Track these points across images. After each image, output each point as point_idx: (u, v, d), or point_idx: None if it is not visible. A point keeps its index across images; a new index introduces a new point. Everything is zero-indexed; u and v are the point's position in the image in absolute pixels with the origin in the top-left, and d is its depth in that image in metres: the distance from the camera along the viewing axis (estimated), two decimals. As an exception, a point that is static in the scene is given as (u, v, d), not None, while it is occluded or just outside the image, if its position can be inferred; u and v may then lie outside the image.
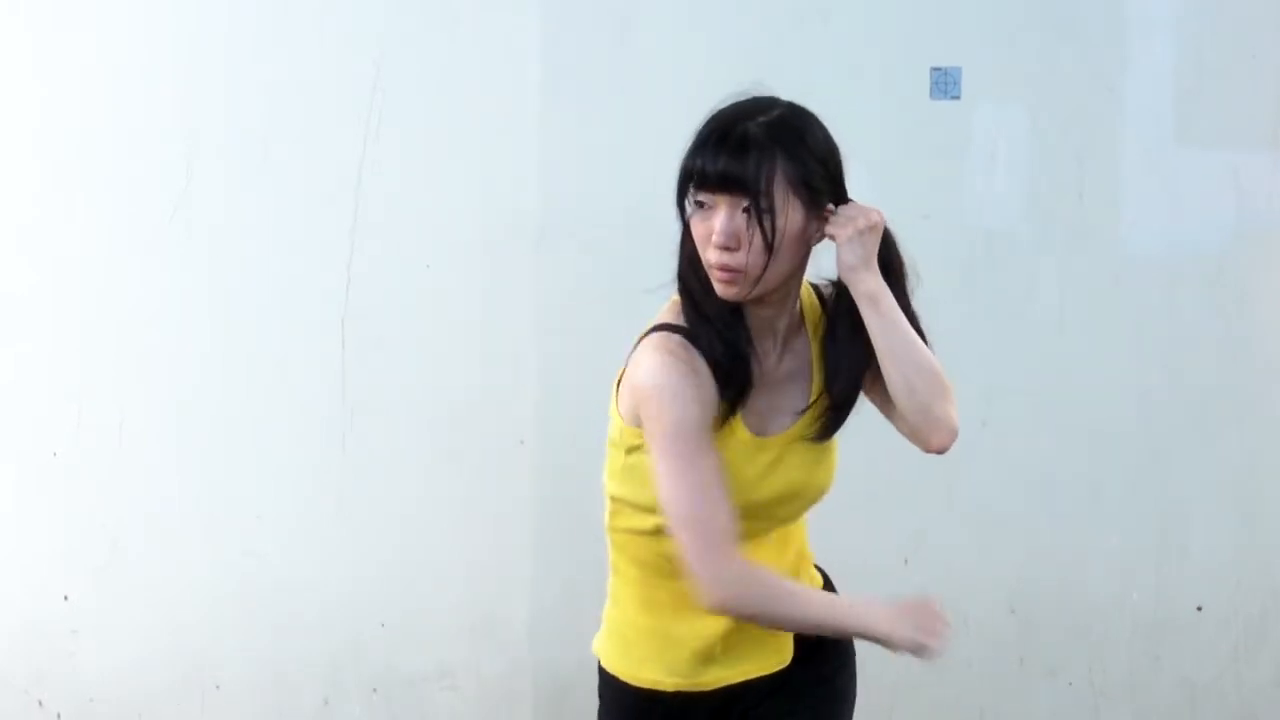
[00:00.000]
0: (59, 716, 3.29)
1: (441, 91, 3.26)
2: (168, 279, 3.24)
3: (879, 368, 2.15)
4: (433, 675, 3.32)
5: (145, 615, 3.26)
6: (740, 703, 2.23)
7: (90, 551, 3.25)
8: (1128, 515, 3.48)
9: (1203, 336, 3.50)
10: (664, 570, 2.14)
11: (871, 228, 2.09)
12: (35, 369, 3.24)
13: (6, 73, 3.22)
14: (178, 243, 3.23)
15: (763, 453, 2.12)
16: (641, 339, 2.10)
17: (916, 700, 3.42)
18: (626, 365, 2.12)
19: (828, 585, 2.34)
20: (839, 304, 2.16)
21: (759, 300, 2.07)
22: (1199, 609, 3.51)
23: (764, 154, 2.02)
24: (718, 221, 2.01)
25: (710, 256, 2.03)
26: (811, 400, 2.16)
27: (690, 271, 2.08)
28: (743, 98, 2.13)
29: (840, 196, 2.11)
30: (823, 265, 2.14)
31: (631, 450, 2.10)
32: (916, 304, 2.20)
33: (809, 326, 2.19)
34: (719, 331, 2.06)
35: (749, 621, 2.10)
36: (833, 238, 2.08)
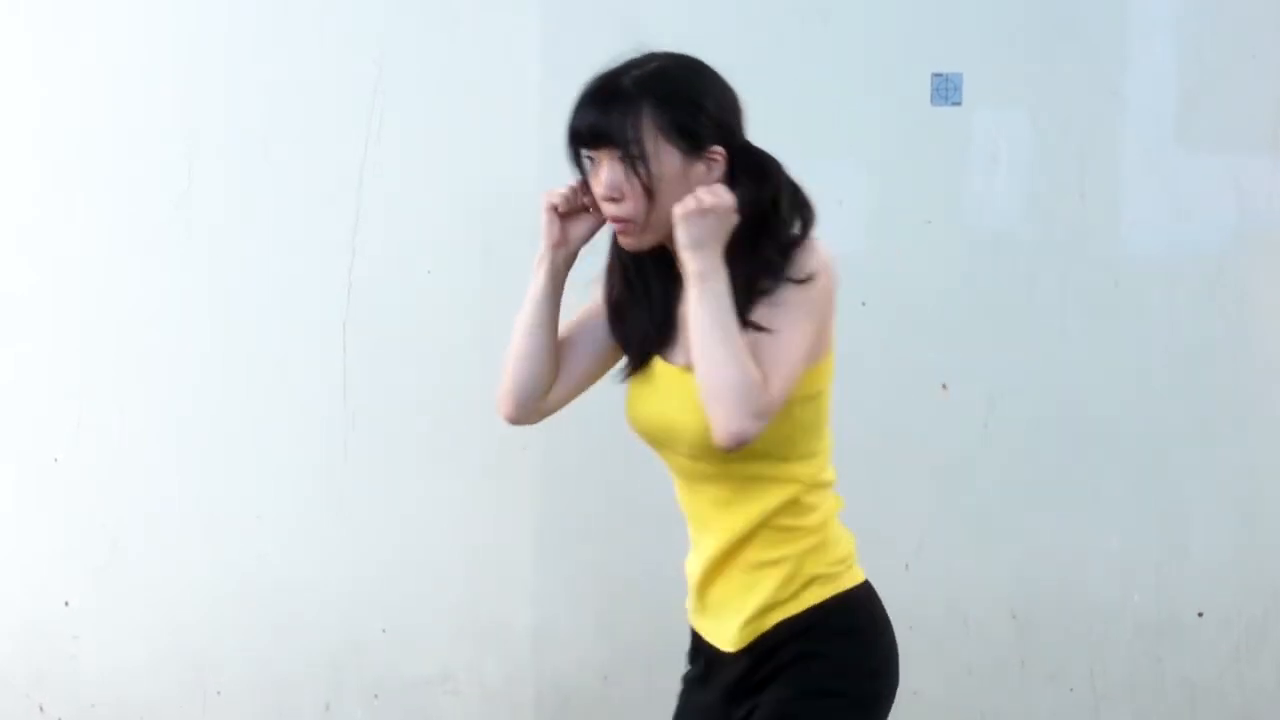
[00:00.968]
0: (59, 720, 3.29)
1: (442, 92, 3.25)
2: (168, 280, 3.24)
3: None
4: (434, 679, 3.31)
5: (146, 618, 3.26)
6: (709, 662, 2.31)
7: (90, 554, 3.25)
8: (1128, 517, 3.48)
9: (1203, 338, 3.50)
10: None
11: (709, 210, 2.08)
12: (35, 370, 3.24)
13: (6, 73, 3.21)
14: (178, 243, 3.23)
15: (657, 378, 2.20)
16: None
17: (917, 704, 3.41)
18: None
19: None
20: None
21: (668, 245, 2.12)
22: (1200, 611, 3.51)
23: (630, 105, 2.10)
24: (601, 174, 2.12)
25: (605, 210, 2.14)
26: None
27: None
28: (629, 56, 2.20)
29: (729, 139, 2.15)
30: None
31: None
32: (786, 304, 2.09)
33: None
34: (621, 277, 2.21)
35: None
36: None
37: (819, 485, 2.29)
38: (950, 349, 3.38)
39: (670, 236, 2.11)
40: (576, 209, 2.22)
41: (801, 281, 2.11)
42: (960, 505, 3.41)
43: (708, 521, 2.27)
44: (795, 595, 2.25)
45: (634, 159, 2.10)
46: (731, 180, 2.15)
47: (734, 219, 2.10)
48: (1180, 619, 3.50)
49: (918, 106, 3.35)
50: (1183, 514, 3.49)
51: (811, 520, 2.30)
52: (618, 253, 2.21)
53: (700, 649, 2.34)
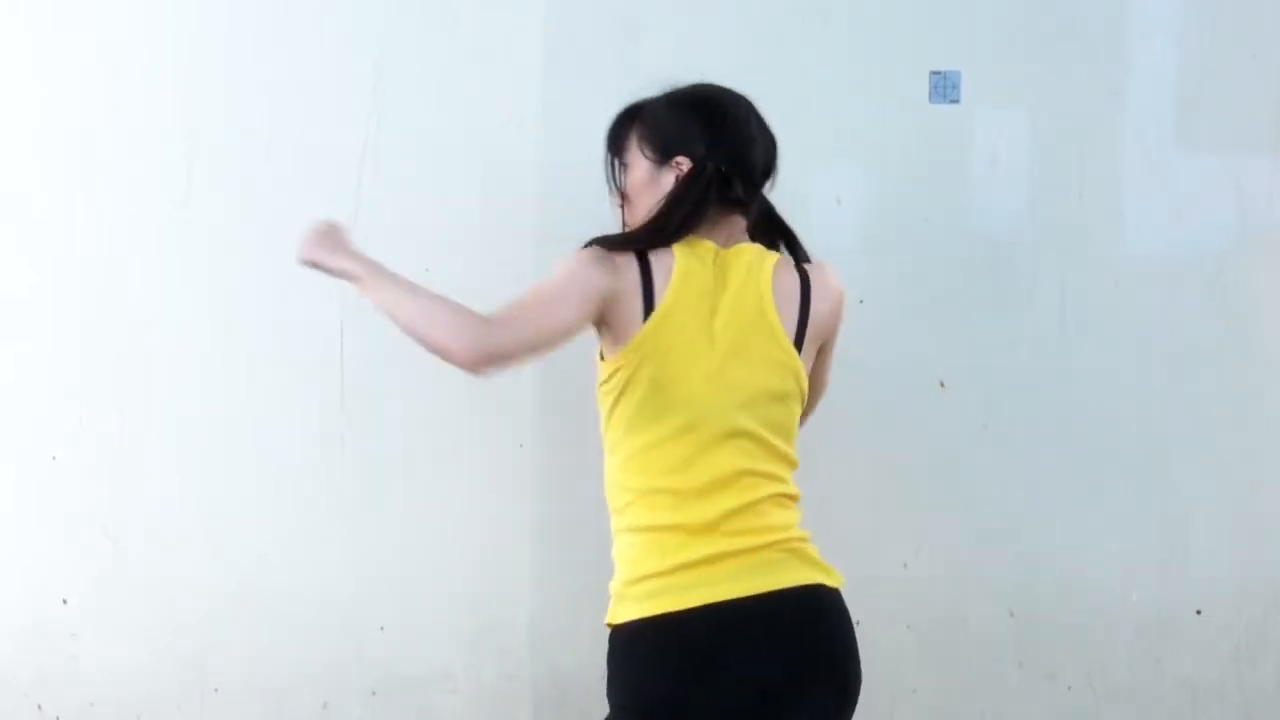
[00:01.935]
0: (58, 719, 3.29)
1: (442, 93, 3.26)
2: (168, 279, 3.24)
3: None
4: (432, 678, 3.31)
5: (145, 618, 3.26)
6: None
7: (90, 554, 3.25)
8: (1127, 516, 3.48)
9: (1204, 339, 3.49)
10: None
11: (305, 245, 2.60)
12: (35, 370, 3.24)
13: (6, 73, 3.21)
14: (178, 243, 3.23)
15: None
16: None
17: (915, 704, 3.41)
18: None
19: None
20: None
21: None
22: (1199, 611, 3.51)
23: (631, 122, 2.64)
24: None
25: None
26: None
27: None
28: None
29: (698, 153, 2.56)
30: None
31: None
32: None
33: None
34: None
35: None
36: None
37: (639, 491, 2.48)
38: (949, 348, 3.38)
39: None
40: None
41: None
42: (959, 504, 3.41)
43: None
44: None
45: (616, 164, 2.67)
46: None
47: (334, 237, 2.56)
48: (1179, 619, 3.49)
49: (916, 105, 3.35)
50: (1182, 514, 3.49)
51: (621, 522, 2.52)
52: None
53: None
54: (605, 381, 2.52)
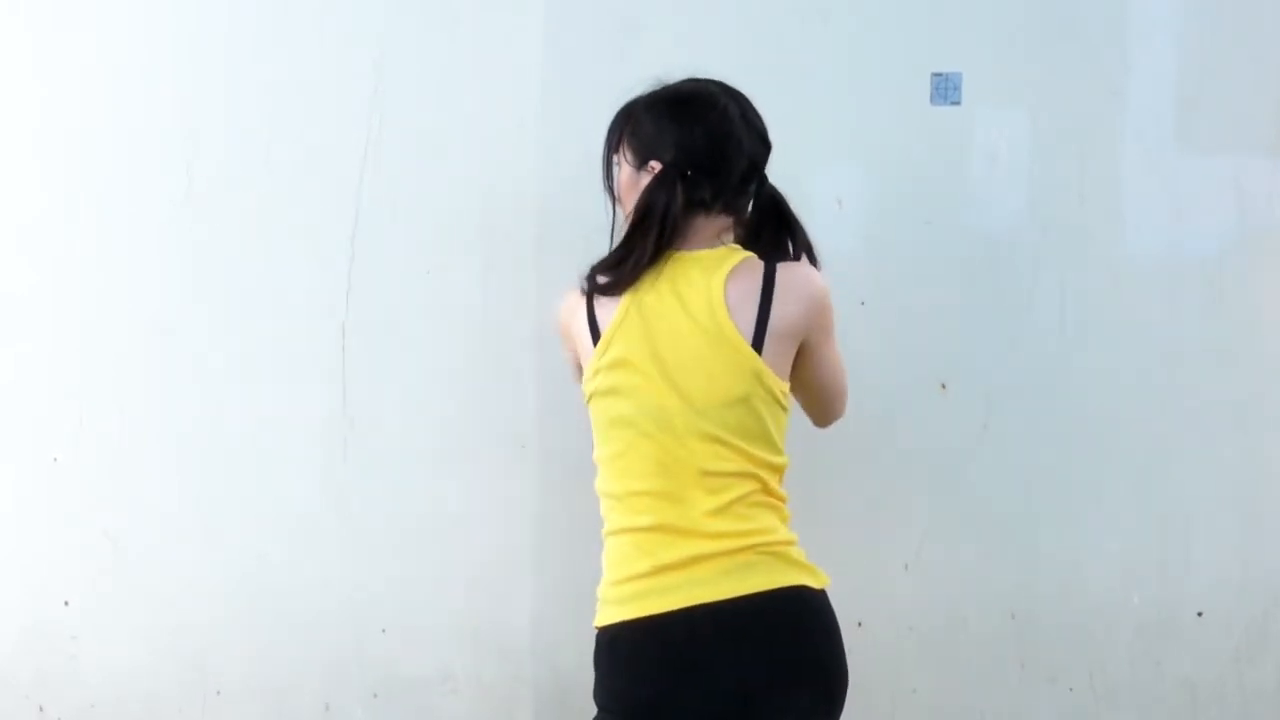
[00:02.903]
0: (58, 720, 3.29)
1: (442, 93, 3.25)
2: (168, 280, 3.24)
3: None
4: (434, 680, 3.31)
5: (146, 619, 3.26)
6: None
7: (90, 554, 3.25)
8: (1128, 518, 3.48)
9: (1204, 340, 3.49)
10: None
11: None
12: (35, 370, 3.24)
13: (6, 73, 3.21)
14: (177, 243, 3.23)
15: None
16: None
17: (916, 705, 3.41)
18: None
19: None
20: None
21: None
22: (1200, 612, 3.51)
23: (625, 122, 2.68)
24: None
25: None
26: None
27: None
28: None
29: (667, 157, 2.61)
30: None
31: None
32: None
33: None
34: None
35: None
36: None
37: (618, 495, 2.55)
38: (949, 349, 3.38)
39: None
40: None
41: None
42: (960, 507, 3.41)
43: None
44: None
45: (607, 165, 2.71)
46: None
47: None
48: (1180, 620, 3.49)
49: (917, 106, 3.35)
50: (1183, 515, 3.49)
51: (606, 527, 2.57)
52: None
53: None
54: (584, 396, 2.65)
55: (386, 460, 3.27)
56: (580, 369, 2.66)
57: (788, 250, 2.66)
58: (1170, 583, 3.49)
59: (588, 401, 2.62)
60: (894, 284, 3.34)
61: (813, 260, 2.66)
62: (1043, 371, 3.43)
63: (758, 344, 2.52)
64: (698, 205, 2.60)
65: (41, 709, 3.27)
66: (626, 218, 2.65)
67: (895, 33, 3.34)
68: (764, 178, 2.68)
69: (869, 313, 3.24)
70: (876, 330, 3.29)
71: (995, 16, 3.38)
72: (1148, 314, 3.47)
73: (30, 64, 3.20)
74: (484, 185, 3.27)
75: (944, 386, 3.37)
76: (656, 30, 3.28)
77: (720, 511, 2.47)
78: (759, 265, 2.59)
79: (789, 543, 2.53)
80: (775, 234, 2.66)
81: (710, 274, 2.55)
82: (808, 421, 2.85)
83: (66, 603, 3.26)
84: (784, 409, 2.58)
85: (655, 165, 2.59)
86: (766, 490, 2.53)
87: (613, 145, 2.69)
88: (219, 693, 3.28)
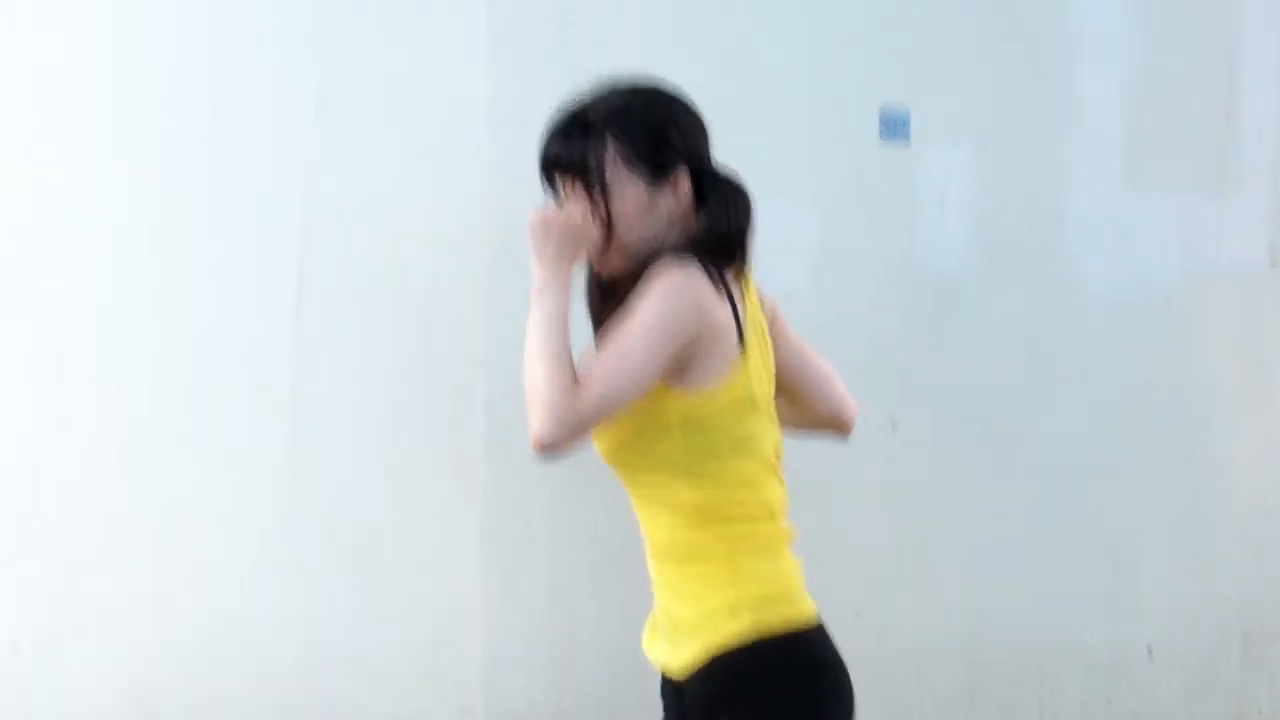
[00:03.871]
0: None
1: (388, 94, 3.17)
2: (109, 289, 3.11)
3: None
4: (386, 717, 3.25)
5: (95, 661, 3.17)
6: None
7: (37, 596, 3.15)
8: (1077, 556, 3.48)
9: (1150, 376, 3.51)
10: None
11: (551, 224, 2.16)
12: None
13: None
14: (119, 251, 3.11)
15: None
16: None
17: (867, 744, 3.39)
18: None
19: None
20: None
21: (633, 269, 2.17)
22: (1150, 649, 3.51)
23: (592, 137, 2.16)
24: (569, 204, 2.18)
25: None
26: None
27: None
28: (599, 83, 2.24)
29: (694, 165, 2.20)
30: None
31: None
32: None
33: None
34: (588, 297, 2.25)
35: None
36: None
37: (726, 519, 2.22)
38: (899, 387, 3.37)
39: (643, 256, 2.16)
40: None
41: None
42: (910, 547, 3.39)
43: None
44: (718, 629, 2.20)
45: (593, 189, 2.15)
46: (700, 204, 2.19)
47: (587, 237, 2.16)
48: (1130, 658, 3.49)
49: (866, 143, 3.35)
50: (1132, 552, 3.50)
51: (719, 550, 2.23)
52: (589, 276, 2.25)
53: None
54: (696, 421, 2.20)
55: (335, 499, 3.20)
56: (673, 358, 2.13)
57: None
58: (1120, 621, 3.49)
59: (696, 421, 2.20)
60: (842, 321, 3.31)
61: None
62: (991, 409, 3.43)
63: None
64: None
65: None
66: (637, 247, 2.21)
67: (844, 70, 3.34)
68: None
69: (819, 350, 3.22)
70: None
71: (946, 54, 3.39)
72: (1096, 349, 3.48)
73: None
74: (433, 186, 3.16)
75: (894, 425, 3.36)
76: (597, 31, 3.22)
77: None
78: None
79: None
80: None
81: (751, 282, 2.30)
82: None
83: (16, 645, 3.14)
84: None
85: (682, 178, 2.19)
86: None
87: (593, 165, 2.16)
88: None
